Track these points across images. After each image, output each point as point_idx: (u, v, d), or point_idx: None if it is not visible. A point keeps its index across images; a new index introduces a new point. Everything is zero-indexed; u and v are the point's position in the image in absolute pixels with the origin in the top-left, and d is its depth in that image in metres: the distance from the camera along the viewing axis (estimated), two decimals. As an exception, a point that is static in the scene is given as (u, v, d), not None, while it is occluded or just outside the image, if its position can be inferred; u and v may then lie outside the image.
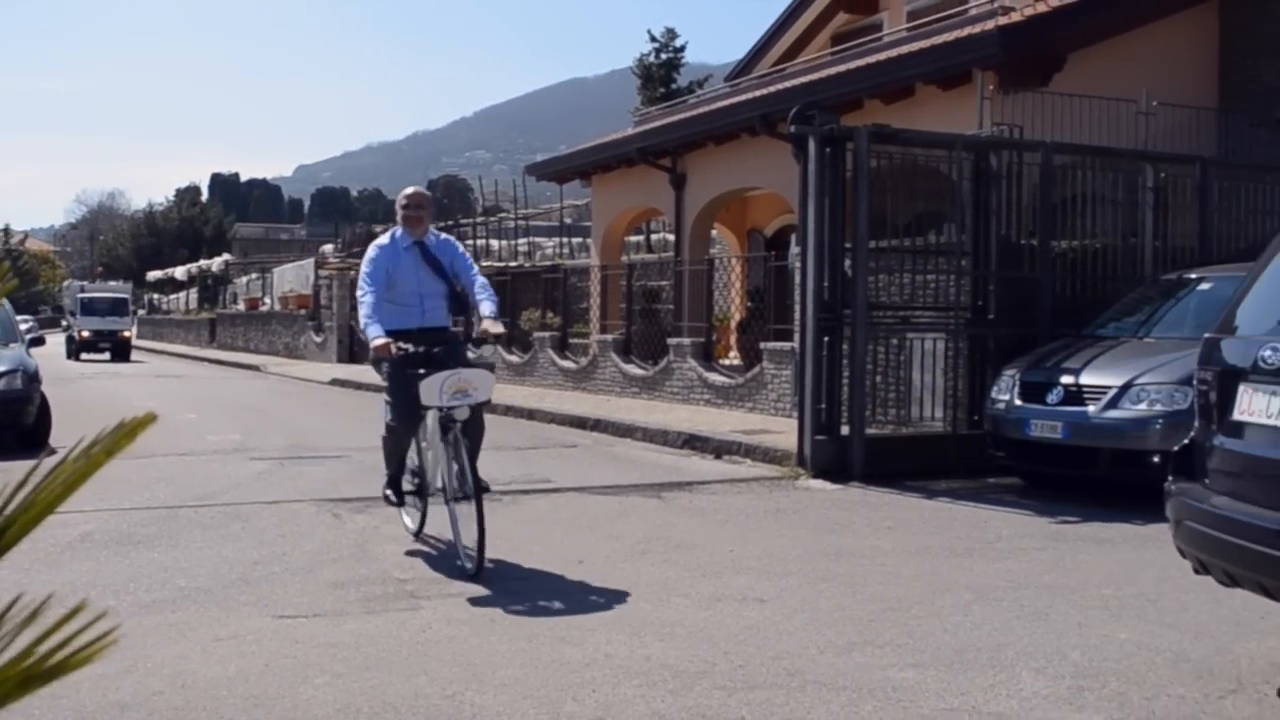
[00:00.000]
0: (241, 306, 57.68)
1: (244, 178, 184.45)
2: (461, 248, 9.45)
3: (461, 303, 9.24)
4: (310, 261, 49.73)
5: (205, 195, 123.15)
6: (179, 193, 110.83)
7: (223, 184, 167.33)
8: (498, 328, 8.66)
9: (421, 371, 8.35)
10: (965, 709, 5.48)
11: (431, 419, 8.68)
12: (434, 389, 8.21)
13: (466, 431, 8.33)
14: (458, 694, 5.66)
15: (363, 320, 8.55)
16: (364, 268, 8.89)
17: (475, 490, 8.08)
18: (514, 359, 27.66)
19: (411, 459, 9.27)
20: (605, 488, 12.49)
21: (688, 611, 7.29)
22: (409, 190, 9.28)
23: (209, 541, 9.48)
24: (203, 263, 74.36)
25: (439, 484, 8.73)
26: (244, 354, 47.36)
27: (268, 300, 54.17)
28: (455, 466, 8.34)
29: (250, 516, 10.61)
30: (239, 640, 6.60)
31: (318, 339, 41.95)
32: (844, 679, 5.90)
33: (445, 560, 8.53)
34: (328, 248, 56.08)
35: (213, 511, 10.86)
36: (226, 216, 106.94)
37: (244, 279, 64.01)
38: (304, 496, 11.72)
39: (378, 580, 8.14)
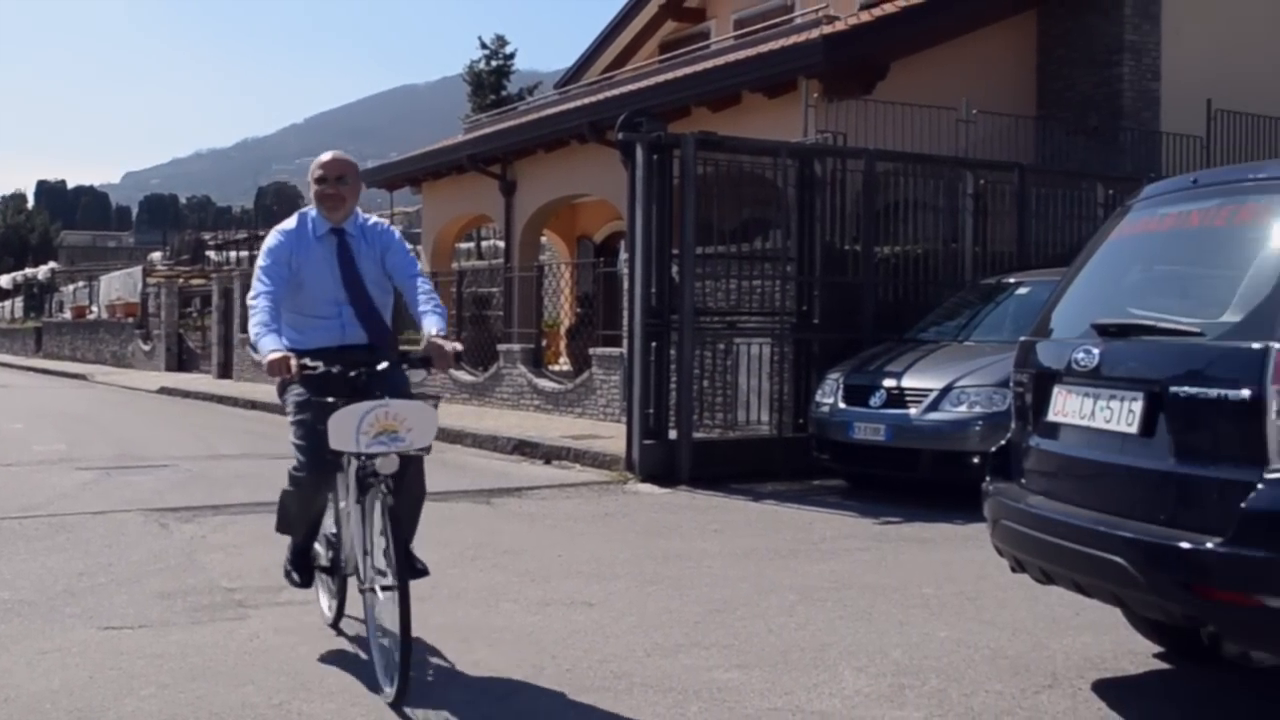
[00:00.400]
0: (68, 315, 56.07)
1: (71, 185, 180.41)
2: (400, 237, 6.76)
3: (378, 318, 6.66)
4: (138, 269, 48.62)
5: (31, 203, 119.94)
6: (4, 200, 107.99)
7: (49, 191, 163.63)
8: (450, 350, 6.16)
9: (331, 400, 5.99)
10: (789, 708, 5.48)
11: (350, 470, 6.20)
12: (348, 426, 5.76)
13: (396, 491, 5.87)
14: (285, 703, 5.56)
15: (253, 330, 6.16)
16: (260, 260, 6.48)
17: (400, 576, 5.60)
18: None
19: (329, 523, 6.78)
20: (434, 494, 12.17)
21: (516, 616, 7.24)
22: (326, 156, 6.66)
23: (33, 553, 9.15)
24: (28, 271, 72.43)
25: (363, 561, 6.10)
26: (71, 363, 46.05)
27: (95, 309, 52.76)
28: (381, 541, 5.93)
29: (76, 527, 10.26)
30: (64, 652, 6.39)
31: (146, 347, 40.94)
32: (670, 681, 5.87)
33: (275, 570, 8.31)
34: (156, 255, 55.10)
35: (37, 522, 10.48)
36: (53, 224, 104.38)
37: (71, 287, 62.29)
38: (131, 506, 11.37)
39: (205, 590, 7.93)
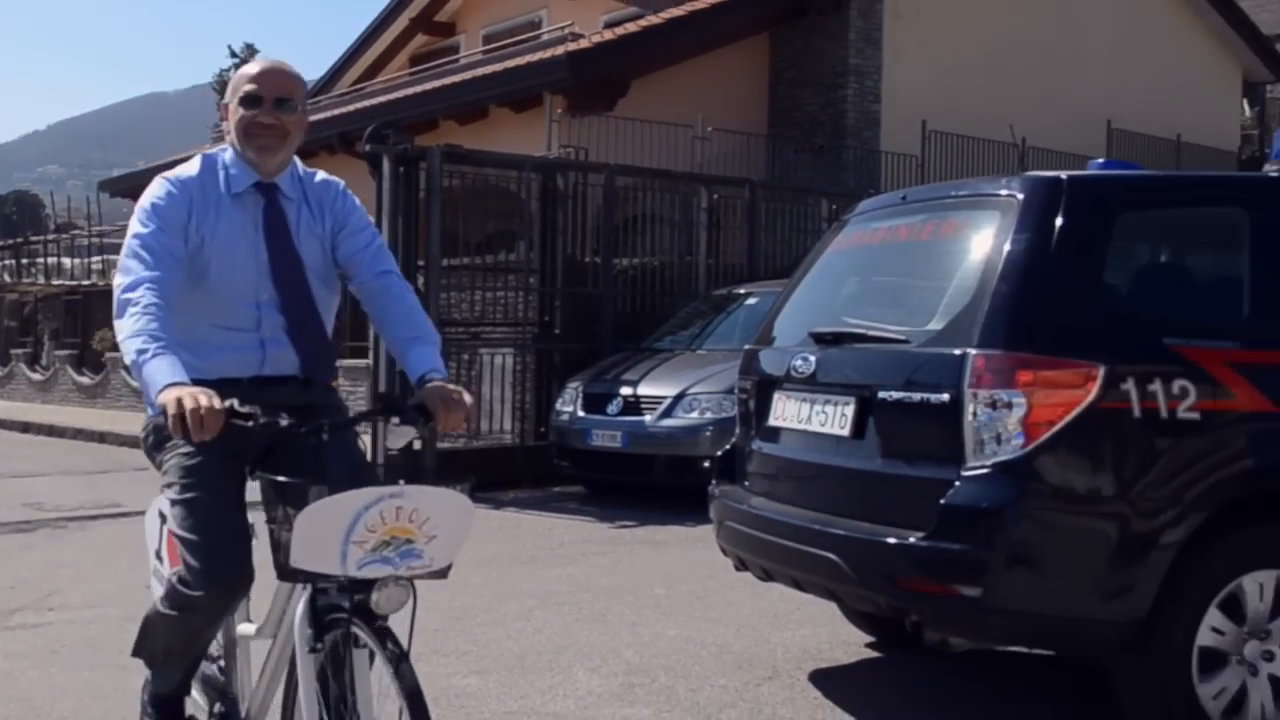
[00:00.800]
0: None
1: None
2: (361, 207, 4.22)
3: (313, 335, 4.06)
4: None
5: None
6: None
7: None
8: (467, 402, 3.80)
9: (283, 480, 3.51)
10: (525, 711, 5.53)
11: (296, 604, 3.60)
12: (333, 530, 3.29)
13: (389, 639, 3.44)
14: (15, 729, 5.35)
15: (131, 345, 3.57)
16: (136, 223, 3.90)
17: None
18: (85, 380, 26.58)
19: (214, 650, 4.26)
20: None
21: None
22: (258, 66, 4.06)
23: None
24: None
25: None
26: None
27: None
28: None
29: None
30: None
31: (-127, 360, 39.06)
32: (409, 689, 5.84)
33: (6, 592, 7.98)
34: (-113, 265, 52.54)
35: None
36: None
37: None
38: None
39: (-70, 614, 7.59)
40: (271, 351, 3.95)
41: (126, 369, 3.40)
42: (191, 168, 4.00)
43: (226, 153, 4.03)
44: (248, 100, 3.93)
